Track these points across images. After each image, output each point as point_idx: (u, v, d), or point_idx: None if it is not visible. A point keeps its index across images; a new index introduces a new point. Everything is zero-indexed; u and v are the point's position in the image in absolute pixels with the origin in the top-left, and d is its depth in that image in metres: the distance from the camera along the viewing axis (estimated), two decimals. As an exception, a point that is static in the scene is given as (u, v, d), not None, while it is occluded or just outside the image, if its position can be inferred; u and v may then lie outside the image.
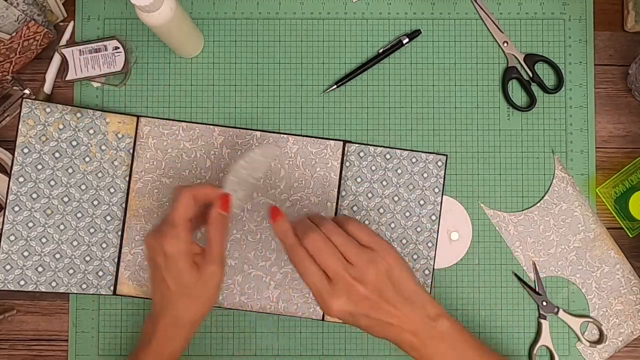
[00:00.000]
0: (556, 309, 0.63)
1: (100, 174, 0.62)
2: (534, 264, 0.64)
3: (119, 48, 0.62)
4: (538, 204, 0.64)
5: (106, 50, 0.62)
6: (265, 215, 0.63)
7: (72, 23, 0.64)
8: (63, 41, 0.63)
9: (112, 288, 0.62)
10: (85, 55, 0.62)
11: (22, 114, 0.61)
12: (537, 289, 0.64)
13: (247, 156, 0.54)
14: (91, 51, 0.62)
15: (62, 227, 0.61)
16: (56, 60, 0.63)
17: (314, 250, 0.49)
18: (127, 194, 0.62)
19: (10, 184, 0.61)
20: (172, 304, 0.52)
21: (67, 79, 0.62)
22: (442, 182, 0.63)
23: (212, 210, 0.52)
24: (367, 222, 0.63)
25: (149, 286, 0.58)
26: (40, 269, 0.61)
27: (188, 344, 0.54)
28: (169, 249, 0.50)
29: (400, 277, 0.50)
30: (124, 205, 0.62)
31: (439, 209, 0.63)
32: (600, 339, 0.63)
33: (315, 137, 0.63)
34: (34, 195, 0.61)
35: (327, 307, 0.49)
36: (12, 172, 0.61)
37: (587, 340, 0.63)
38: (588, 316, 0.63)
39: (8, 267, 0.60)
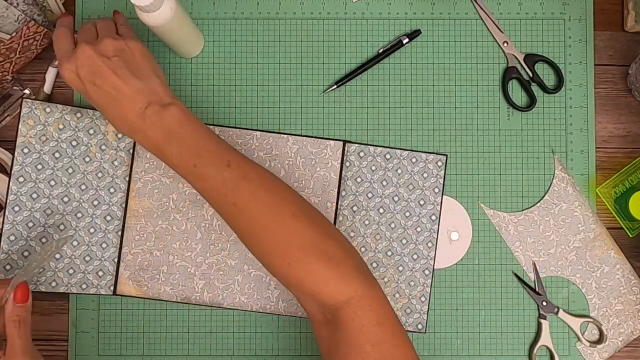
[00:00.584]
0: (556, 309, 0.63)
1: (100, 174, 0.62)
2: (534, 264, 0.64)
3: None
4: (538, 204, 0.64)
5: None
6: (265, 215, 0.63)
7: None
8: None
9: (112, 288, 0.62)
10: None
11: (22, 114, 0.61)
12: (537, 289, 0.64)
13: (41, 253, 0.55)
14: None
15: (62, 227, 0.61)
16: (56, 60, 0.63)
17: (79, 30, 0.53)
18: (127, 194, 0.62)
19: (10, 184, 0.61)
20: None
21: (55, 65, 0.62)
22: (442, 182, 0.63)
23: (6, 305, 0.50)
24: (367, 222, 0.63)
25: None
26: (40, 269, 0.61)
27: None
28: None
29: (140, 61, 0.52)
30: (124, 205, 0.62)
31: (439, 209, 0.63)
32: (600, 339, 0.63)
33: (315, 137, 0.63)
34: (34, 195, 0.61)
35: (61, 70, 0.51)
36: (12, 172, 0.61)
37: (587, 340, 0.63)
38: (588, 316, 0.63)
39: (8, 267, 0.60)
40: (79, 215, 0.62)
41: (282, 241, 0.49)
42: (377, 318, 0.49)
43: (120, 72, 0.50)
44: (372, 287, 0.50)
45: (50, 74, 0.63)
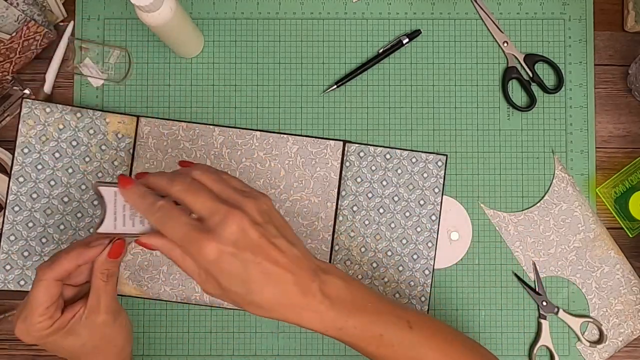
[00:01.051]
0: (556, 309, 0.63)
1: (100, 174, 0.62)
2: (534, 264, 0.64)
3: None
4: (538, 204, 0.64)
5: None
6: (265, 215, 0.63)
7: (72, 23, 0.64)
8: (64, 39, 0.63)
9: (112, 288, 0.62)
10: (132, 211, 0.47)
11: (22, 114, 0.61)
12: (537, 289, 0.64)
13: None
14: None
15: (62, 227, 0.61)
16: (56, 60, 0.63)
17: (180, 192, 0.41)
18: (127, 194, 0.62)
19: (10, 184, 0.61)
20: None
21: (99, 231, 0.45)
22: (442, 182, 0.63)
23: (97, 258, 0.45)
24: (367, 222, 0.63)
25: None
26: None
27: None
28: (24, 340, 0.45)
29: (282, 221, 0.44)
30: (124, 205, 0.62)
31: (439, 209, 0.63)
32: (600, 339, 0.63)
33: (315, 137, 0.63)
34: (34, 195, 0.61)
35: (200, 251, 0.40)
36: (12, 172, 0.61)
37: (587, 340, 0.63)
38: (588, 316, 0.63)
39: (8, 267, 0.60)
40: (79, 215, 0.62)
41: None
42: None
43: (278, 242, 0.42)
44: None
45: (50, 75, 0.63)
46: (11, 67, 0.61)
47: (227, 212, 0.40)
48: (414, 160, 0.64)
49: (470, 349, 0.48)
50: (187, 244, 0.40)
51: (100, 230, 0.45)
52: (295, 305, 0.42)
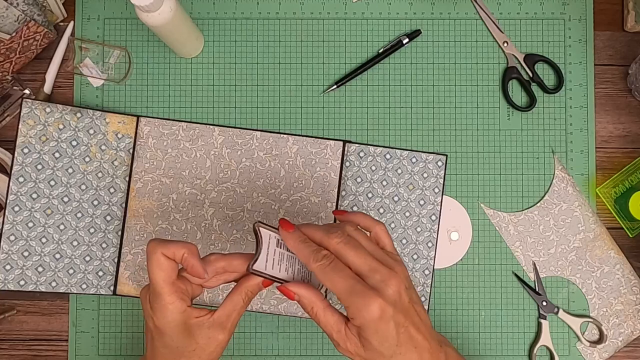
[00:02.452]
0: (556, 309, 0.63)
1: (100, 174, 0.62)
2: (534, 264, 0.64)
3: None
4: (538, 204, 0.64)
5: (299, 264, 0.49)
6: (265, 215, 0.63)
7: (72, 23, 0.64)
8: (64, 39, 0.63)
9: (112, 288, 0.62)
10: (282, 250, 0.48)
11: (22, 114, 0.61)
12: (537, 289, 0.64)
13: None
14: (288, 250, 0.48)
15: (62, 227, 0.61)
16: (56, 60, 0.63)
17: (340, 246, 0.43)
18: (127, 194, 0.62)
19: (10, 184, 0.61)
20: None
21: (253, 268, 0.46)
22: (442, 182, 0.63)
23: (252, 278, 0.46)
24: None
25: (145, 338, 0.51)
26: (40, 269, 0.61)
27: None
28: (156, 322, 0.45)
29: (415, 291, 0.45)
30: (124, 205, 0.62)
31: (439, 209, 0.63)
32: (600, 339, 0.63)
33: (315, 137, 0.63)
34: (34, 195, 0.61)
35: (367, 306, 0.41)
36: (12, 172, 0.61)
37: (587, 340, 0.63)
38: (588, 316, 0.63)
39: (8, 267, 0.60)
40: (79, 215, 0.62)
41: None
42: None
43: (419, 307, 0.43)
44: None
45: (50, 75, 0.63)
46: (11, 67, 0.61)
47: (388, 273, 0.42)
48: (414, 160, 0.64)
49: None
50: (352, 296, 0.41)
51: (256, 267, 0.46)
52: None
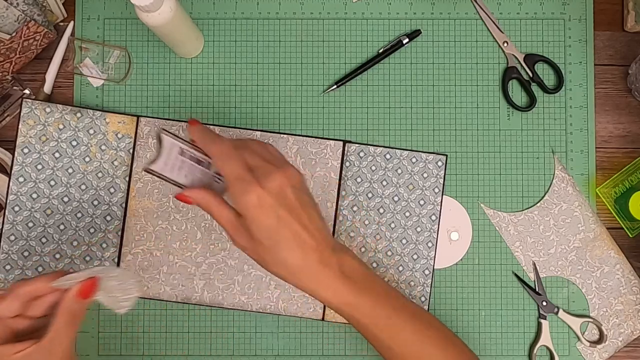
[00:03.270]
0: (556, 309, 0.63)
1: (100, 174, 0.62)
2: (534, 264, 0.64)
3: (221, 177, 0.54)
4: (538, 204, 0.64)
5: (208, 168, 0.53)
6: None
7: (72, 23, 0.64)
8: (64, 39, 0.63)
9: (112, 288, 0.62)
10: (184, 158, 0.52)
11: (22, 114, 0.61)
12: (537, 289, 0.64)
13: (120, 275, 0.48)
14: (192, 158, 0.52)
15: (62, 227, 0.61)
16: (56, 60, 0.63)
17: (238, 144, 0.47)
18: (127, 194, 0.62)
19: (10, 184, 0.61)
20: None
21: (150, 167, 0.50)
22: (442, 182, 0.63)
23: (65, 295, 0.43)
24: (367, 222, 0.63)
25: None
26: (40, 269, 0.61)
27: None
28: None
29: (314, 200, 0.48)
30: (124, 205, 0.62)
31: (439, 209, 0.63)
32: (600, 339, 0.63)
33: (315, 137, 0.63)
34: (34, 195, 0.61)
35: (246, 193, 0.44)
36: (12, 172, 0.61)
37: (587, 340, 0.63)
38: (588, 316, 0.63)
39: (8, 267, 0.60)
40: (79, 215, 0.62)
41: None
42: None
43: (307, 209, 0.46)
44: None
45: (50, 75, 0.63)
46: (11, 67, 0.61)
47: (273, 169, 0.45)
48: (414, 160, 0.64)
49: (442, 336, 0.51)
50: (237, 182, 0.45)
51: (152, 167, 0.50)
52: (315, 274, 0.46)
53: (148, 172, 0.50)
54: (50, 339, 0.43)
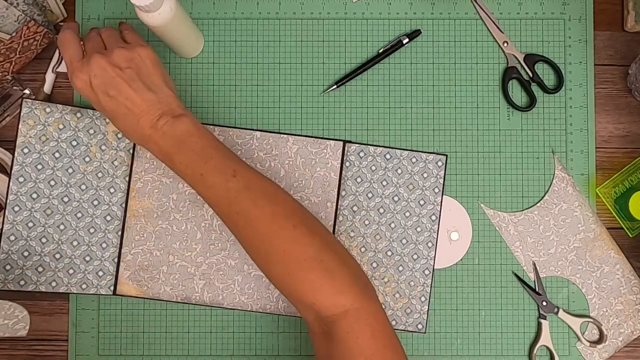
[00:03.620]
0: (556, 309, 0.63)
1: (100, 174, 0.62)
2: (534, 264, 0.64)
3: None
4: (538, 204, 0.64)
5: None
6: (265, 215, 0.63)
7: (72, 23, 0.64)
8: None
9: (112, 288, 0.62)
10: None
11: (22, 114, 0.61)
12: (537, 289, 0.64)
13: None
14: None
15: (62, 227, 0.61)
16: (55, 58, 0.63)
17: (85, 39, 0.55)
18: (127, 194, 0.62)
19: (10, 184, 0.61)
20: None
21: (58, 70, 0.62)
22: (442, 182, 0.63)
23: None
24: (367, 222, 0.63)
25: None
26: (40, 269, 0.61)
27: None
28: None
29: (151, 71, 0.53)
30: (124, 205, 0.62)
31: (439, 209, 0.63)
32: (600, 339, 0.63)
33: (315, 137, 0.63)
34: (34, 195, 0.61)
35: (72, 79, 0.52)
36: (12, 172, 0.61)
37: (587, 340, 0.63)
38: (588, 316, 0.63)
39: (8, 267, 0.60)
40: (79, 215, 0.62)
41: (281, 250, 0.50)
42: (372, 331, 0.49)
43: (134, 84, 0.52)
44: (369, 299, 0.50)
45: (50, 75, 0.63)
46: (11, 67, 0.61)
47: (94, 59, 0.51)
48: (414, 160, 0.64)
49: (302, 220, 0.52)
50: (69, 66, 0.53)
51: (60, 69, 0.63)
52: (142, 135, 0.52)
53: (58, 74, 0.61)
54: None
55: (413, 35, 0.64)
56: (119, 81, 0.51)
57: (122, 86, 0.51)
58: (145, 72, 0.53)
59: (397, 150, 0.64)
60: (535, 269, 0.64)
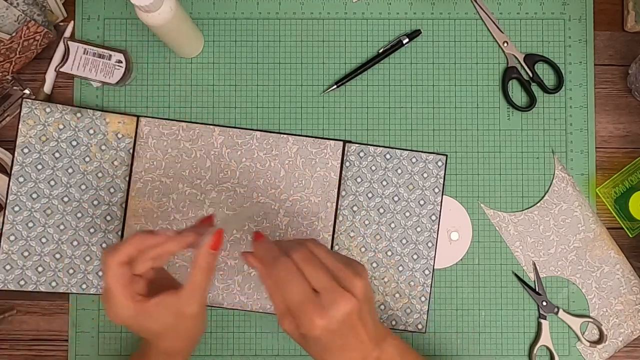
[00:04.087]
0: (556, 309, 0.63)
1: (100, 174, 0.62)
2: (534, 264, 0.64)
3: (121, 62, 0.62)
4: (538, 204, 0.64)
5: (109, 59, 0.62)
6: (265, 215, 0.63)
7: (72, 23, 0.64)
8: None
9: (112, 288, 0.62)
10: (87, 56, 0.62)
11: (22, 114, 0.61)
12: (537, 289, 0.64)
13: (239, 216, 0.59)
14: (95, 54, 0.62)
15: (62, 227, 0.61)
16: (56, 59, 0.63)
17: (301, 261, 0.45)
18: (127, 194, 0.62)
19: (10, 184, 0.61)
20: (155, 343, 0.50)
21: (61, 69, 0.61)
22: (442, 182, 0.63)
23: (200, 250, 0.47)
24: (367, 222, 0.63)
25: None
26: (40, 269, 0.61)
27: None
28: (116, 320, 0.47)
29: (371, 295, 0.48)
30: (124, 205, 0.62)
31: (439, 209, 0.63)
32: (600, 339, 0.63)
33: (315, 137, 0.63)
34: (34, 195, 0.61)
35: (310, 323, 0.44)
36: (12, 172, 0.61)
37: (587, 340, 0.63)
38: (588, 316, 0.63)
39: (8, 267, 0.60)
40: (79, 215, 0.62)
41: None
42: None
43: (367, 320, 0.46)
44: None
45: (50, 75, 0.63)
46: (11, 67, 0.61)
47: (342, 294, 0.44)
48: (414, 160, 0.64)
49: None
50: (301, 311, 0.44)
51: (63, 69, 0.61)
52: None
53: (60, 73, 0.61)
54: (187, 290, 0.47)
55: (413, 35, 0.64)
56: (358, 322, 0.45)
57: (358, 326, 0.45)
58: (370, 298, 0.47)
59: (397, 150, 0.64)
60: (535, 269, 0.64)
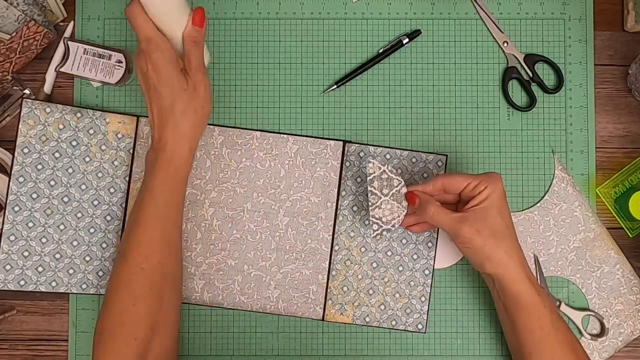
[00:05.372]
0: (558, 302, 0.63)
1: (100, 174, 0.62)
2: (535, 257, 0.64)
3: (121, 62, 0.62)
4: (538, 204, 0.64)
5: (109, 59, 0.62)
6: (265, 215, 0.63)
7: (72, 23, 0.64)
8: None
9: (112, 288, 0.62)
10: (87, 56, 0.62)
11: (22, 114, 0.61)
12: (539, 283, 0.63)
13: None
14: (95, 54, 0.62)
15: (62, 227, 0.61)
16: (56, 59, 0.63)
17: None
18: (127, 194, 0.62)
19: (10, 184, 0.61)
20: (169, 113, 0.53)
21: (61, 69, 0.62)
22: (442, 182, 0.63)
23: (186, 28, 0.53)
24: (367, 222, 0.63)
25: (147, 111, 0.56)
26: (40, 269, 0.61)
27: (192, 161, 0.56)
28: (156, 61, 0.52)
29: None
30: (124, 205, 0.62)
31: (439, 209, 0.63)
32: (602, 332, 0.63)
33: (315, 137, 0.63)
34: (34, 195, 0.61)
35: (496, 182, 0.54)
36: (12, 172, 0.61)
37: (589, 334, 0.63)
38: (590, 309, 0.63)
39: (8, 267, 0.60)
40: (79, 215, 0.62)
41: None
42: None
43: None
44: None
45: (50, 75, 0.63)
46: (11, 67, 0.61)
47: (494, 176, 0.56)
48: (414, 160, 0.64)
49: None
50: (482, 176, 0.55)
51: (63, 69, 0.61)
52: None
53: (60, 73, 0.61)
54: (188, 59, 0.54)
55: (413, 35, 0.64)
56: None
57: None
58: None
59: (397, 150, 0.64)
60: (537, 262, 0.64)
